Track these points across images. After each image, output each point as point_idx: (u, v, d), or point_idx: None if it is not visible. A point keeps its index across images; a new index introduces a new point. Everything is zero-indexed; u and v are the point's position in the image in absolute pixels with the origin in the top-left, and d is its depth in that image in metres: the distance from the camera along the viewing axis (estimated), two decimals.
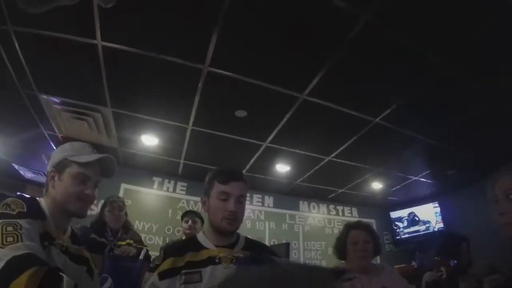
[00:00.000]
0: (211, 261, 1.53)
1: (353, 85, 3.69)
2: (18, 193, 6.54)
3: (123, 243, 3.01)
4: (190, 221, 3.79)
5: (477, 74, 3.45)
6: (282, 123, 4.29)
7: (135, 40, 3.10)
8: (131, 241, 3.02)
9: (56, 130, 4.85)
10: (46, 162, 5.84)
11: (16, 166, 6.60)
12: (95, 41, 3.08)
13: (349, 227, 2.47)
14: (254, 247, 1.74)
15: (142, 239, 3.81)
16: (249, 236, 1.81)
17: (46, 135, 5.10)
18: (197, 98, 3.82)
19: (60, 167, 1.43)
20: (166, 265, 1.52)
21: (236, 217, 1.62)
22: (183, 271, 1.49)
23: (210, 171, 1.76)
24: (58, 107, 4.16)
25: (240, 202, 1.65)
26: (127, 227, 3.47)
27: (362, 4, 2.65)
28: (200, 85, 3.60)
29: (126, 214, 3.49)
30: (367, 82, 3.63)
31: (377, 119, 4.27)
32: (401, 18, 2.80)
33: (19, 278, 0.90)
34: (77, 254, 1.45)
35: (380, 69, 3.43)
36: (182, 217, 3.97)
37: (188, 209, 4.77)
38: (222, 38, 3.01)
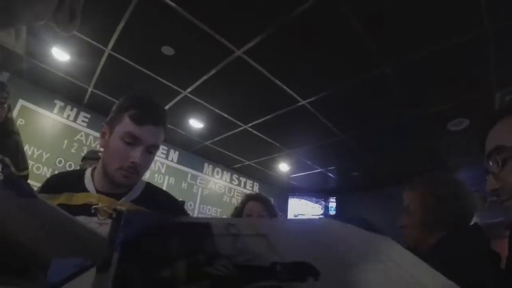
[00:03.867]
0: (85, 209, 1.19)
1: (291, 60, 3.58)
2: None
3: None
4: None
5: (412, 88, 3.67)
6: (209, 75, 4.02)
7: None
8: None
9: None
10: None
11: None
12: None
13: (248, 197, 2.41)
14: (153, 198, 1.37)
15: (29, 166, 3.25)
16: None
17: None
18: (124, 19, 3.38)
19: None
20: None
21: (138, 171, 1.27)
22: None
23: (124, 96, 1.36)
24: None
25: (150, 152, 1.29)
26: (8, 124, 2.66)
27: None
28: (132, 4, 3.16)
29: (9, 109, 2.76)
30: (305, 61, 3.54)
31: (304, 101, 4.22)
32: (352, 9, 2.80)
33: None
34: None
35: (320, 52, 3.37)
36: (83, 158, 3.60)
37: (91, 149, 4.24)
38: None
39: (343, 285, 0.36)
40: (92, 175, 1.33)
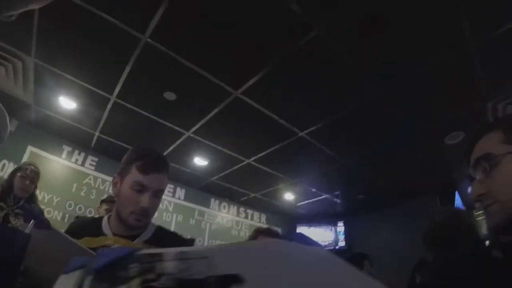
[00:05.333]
0: None
1: (287, 95, 3.76)
2: None
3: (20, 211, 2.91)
4: (105, 213, 3.59)
5: (405, 108, 3.73)
6: (210, 115, 4.22)
7: None
8: None
9: None
10: None
11: None
12: None
13: (258, 232, 2.43)
14: (163, 239, 1.49)
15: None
16: None
17: None
18: (127, 69, 3.61)
19: None
20: None
21: (148, 214, 1.43)
22: None
23: (130, 150, 1.54)
24: None
25: (157, 196, 1.43)
26: (31, 199, 3.25)
27: (316, 15, 2.71)
28: (134, 55, 3.41)
29: (36, 186, 3.30)
30: (301, 95, 3.71)
31: (302, 133, 4.37)
32: (347, 38, 2.92)
33: None
34: None
35: (315, 86, 3.55)
36: (101, 202, 3.86)
37: (108, 195, 4.41)
38: (169, 13, 2.89)
39: None
40: (108, 221, 1.48)
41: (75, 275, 0.53)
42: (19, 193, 3.08)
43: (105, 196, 4.56)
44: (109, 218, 1.50)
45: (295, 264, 0.51)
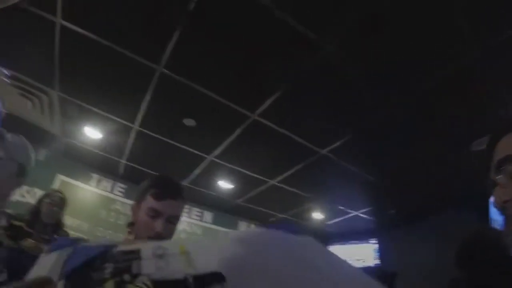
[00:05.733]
0: None
1: (305, 114, 3.72)
2: None
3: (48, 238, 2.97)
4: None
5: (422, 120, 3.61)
6: (230, 139, 4.26)
7: (96, 27, 3.00)
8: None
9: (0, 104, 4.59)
10: None
11: None
12: (55, 18, 2.96)
13: None
14: None
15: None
16: None
17: None
18: (147, 99, 3.73)
19: None
20: None
21: (162, 239, 1.43)
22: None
23: (147, 178, 1.58)
24: (6, 79, 3.96)
25: (171, 222, 1.45)
26: (58, 225, 3.33)
27: (327, 34, 2.71)
28: (152, 85, 3.52)
29: (63, 213, 3.38)
30: (320, 113, 3.67)
31: (323, 151, 4.30)
32: (359, 55, 2.88)
33: None
34: None
35: (333, 102, 3.49)
36: (128, 225, 3.93)
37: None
38: (182, 43, 2.98)
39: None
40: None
41: (54, 256, 0.52)
42: (46, 219, 3.15)
43: (122, 220, 4.65)
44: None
45: (278, 257, 0.50)
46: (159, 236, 1.41)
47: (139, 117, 4.06)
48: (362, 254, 7.25)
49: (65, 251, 0.52)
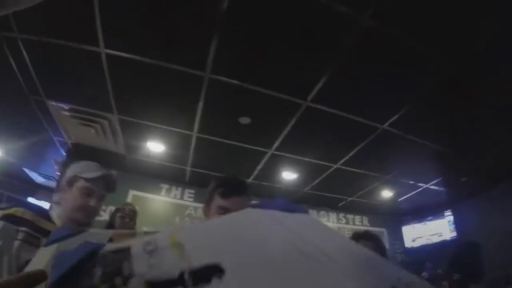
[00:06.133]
0: None
1: (357, 91, 3.63)
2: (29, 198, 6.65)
3: None
4: None
5: (485, 77, 3.37)
6: (287, 130, 4.26)
7: (137, 48, 3.13)
8: None
9: (65, 136, 4.91)
10: (56, 167, 5.92)
11: (27, 171, 6.71)
12: (98, 49, 3.12)
13: (356, 237, 2.41)
14: None
15: None
16: None
17: (56, 141, 5.17)
18: (200, 105, 3.83)
19: (71, 182, 1.63)
20: None
21: None
22: None
23: (213, 179, 1.70)
24: (66, 113, 4.21)
25: None
26: (133, 236, 3.47)
27: (362, 7, 2.63)
28: (202, 92, 3.61)
29: (135, 223, 3.54)
30: (372, 87, 3.55)
31: (384, 126, 4.18)
32: (401, 19, 2.76)
33: None
34: None
35: (385, 74, 3.36)
36: None
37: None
38: (222, 45, 3.03)
39: (249, 279, 0.40)
40: None
41: (52, 249, 0.51)
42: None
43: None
44: None
45: (279, 242, 0.45)
46: None
47: (196, 123, 4.19)
48: (438, 228, 7.02)
49: (65, 243, 0.52)
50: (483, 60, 3.14)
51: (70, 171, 1.66)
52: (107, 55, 3.19)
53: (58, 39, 3.04)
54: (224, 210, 1.50)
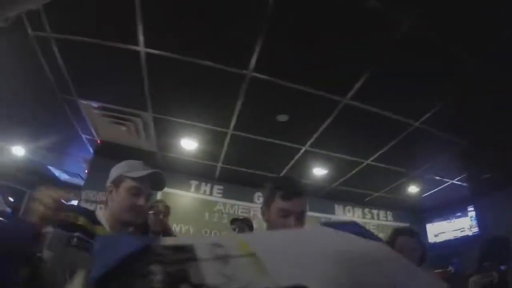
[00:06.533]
0: None
1: (394, 89, 3.64)
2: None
3: None
4: (236, 229, 3.90)
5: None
6: (323, 127, 4.27)
7: (178, 47, 3.14)
8: None
9: (94, 134, 4.92)
10: (84, 165, 5.94)
11: (51, 168, 6.73)
12: (138, 48, 3.12)
13: (397, 233, 2.44)
14: None
15: None
16: None
17: (84, 138, 5.18)
18: (239, 103, 3.85)
19: (117, 182, 1.61)
20: None
21: None
22: None
23: (270, 181, 1.73)
24: (98, 112, 4.20)
25: (301, 218, 1.58)
26: (167, 232, 3.51)
27: (405, 9, 2.64)
28: (243, 90, 3.62)
29: (168, 220, 3.57)
30: (408, 86, 3.59)
31: (417, 123, 4.20)
32: (441, 21, 2.77)
33: None
34: None
35: (421, 73, 3.39)
36: (230, 223, 4.13)
37: (236, 217, 4.71)
38: (267, 44, 3.02)
39: None
40: None
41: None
42: (155, 228, 3.34)
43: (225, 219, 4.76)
44: None
45: (370, 272, 0.43)
46: None
47: (233, 121, 4.21)
48: (460, 224, 7.00)
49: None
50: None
51: (116, 171, 1.65)
52: (147, 54, 3.20)
53: (94, 38, 3.05)
54: (286, 212, 1.53)
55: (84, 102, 4.07)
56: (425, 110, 3.97)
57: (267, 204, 1.64)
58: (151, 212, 3.39)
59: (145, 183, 1.62)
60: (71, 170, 6.77)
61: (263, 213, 1.69)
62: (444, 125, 4.29)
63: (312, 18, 2.77)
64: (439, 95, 3.73)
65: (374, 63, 3.24)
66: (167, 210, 3.54)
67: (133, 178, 1.59)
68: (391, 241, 2.36)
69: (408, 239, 2.34)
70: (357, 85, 3.52)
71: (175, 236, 3.68)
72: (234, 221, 4.10)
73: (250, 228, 3.96)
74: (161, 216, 3.42)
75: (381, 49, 3.07)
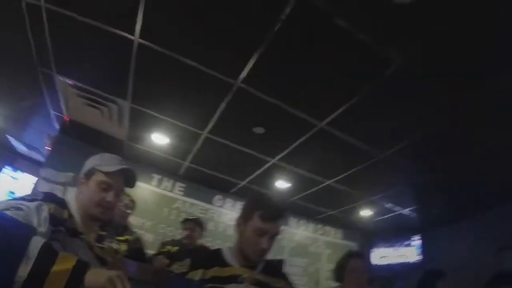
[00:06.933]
0: (234, 279, 1.59)
1: (369, 123, 3.90)
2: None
3: (122, 238, 3.21)
4: (188, 231, 3.89)
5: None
6: (295, 144, 4.42)
7: (174, 44, 3.15)
8: (128, 237, 3.29)
9: (64, 112, 4.80)
10: (47, 141, 5.77)
11: (10, 138, 6.49)
12: (132, 37, 3.11)
13: (350, 255, 2.62)
14: (271, 268, 1.77)
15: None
16: None
17: (52, 114, 5.05)
18: (220, 109, 3.92)
19: (89, 174, 1.58)
20: (196, 275, 1.59)
21: (267, 253, 1.67)
22: (209, 285, 1.55)
23: (251, 197, 1.80)
24: (74, 91, 4.12)
25: (274, 239, 1.66)
26: (127, 226, 3.55)
27: (397, 47, 2.82)
28: (227, 98, 3.70)
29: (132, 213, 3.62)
30: (385, 122, 3.83)
31: (382, 155, 4.45)
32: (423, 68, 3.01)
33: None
34: (102, 256, 1.55)
35: (396, 109, 3.61)
36: (182, 223, 4.08)
37: (187, 217, 4.47)
38: (263, 60, 3.12)
39: None
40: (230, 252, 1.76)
41: None
42: (120, 221, 3.37)
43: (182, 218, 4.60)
44: (229, 249, 1.77)
45: None
46: (265, 252, 1.65)
47: (210, 125, 4.27)
48: (405, 251, 7.28)
49: None
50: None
51: (89, 163, 1.61)
52: (140, 44, 3.19)
53: (89, 18, 2.98)
54: (262, 232, 1.60)
55: (62, 78, 3.98)
56: (392, 144, 4.22)
57: (244, 219, 1.69)
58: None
59: (116, 179, 1.58)
60: (31, 143, 6.53)
61: (238, 225, 1.73)
62: (406, 160, 4.55)
63: (309, 47, 2.94)
64: (408, 135, 3.99)
65: (356, 95, 3.42)
66: (133, 205, 3.59)
67: (104, 173, 1.55)
68: (344, 263, 2.54)
69: (359, 262, 2.54)
70: (336, 114, 3.71)
71: (134, 230, 3.70)
72: (185, 221, 4.05)
73: (202, 228, 3.99)
74: (128, 211, 3.46)
75: (365, 84, 3.26)
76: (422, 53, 2.83)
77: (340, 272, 2.56)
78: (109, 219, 1.67)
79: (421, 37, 2.70)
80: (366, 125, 3.92)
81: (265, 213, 1.62)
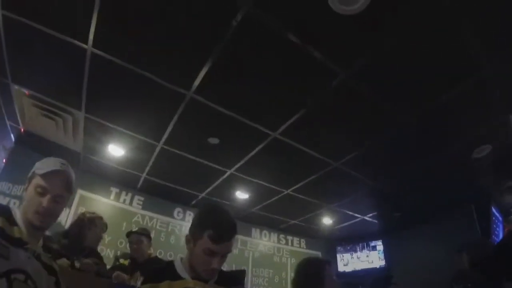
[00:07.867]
0: None
1: (321, 133, 4.03)
2: None
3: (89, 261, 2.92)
4: (135, 244, 3.70)
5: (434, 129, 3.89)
6: (251, 154, 4.47)
7: (126, 54, 3.13)
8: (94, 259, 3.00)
9: (20, 122, 4.69)
10: (3, 154, 5.62)
11: None
12: (85, 46, 3.06)
13: (325, 263, 2.56)
14: (225, 279, 1.71)
15: None
16: None
17: (8, 125, 4.92)
18: (174, 120, 3.91)
19: (30, 179, 1.50)
20: None
21: (217, 271, 1.64)
22: None
23: (200, 213, 1.71)
24: (29, 100, 4.05)
25: (226, 257, 1.62)
26: (93, 248, 3.33)
27: (340, 63, 2.98)
28: (180, 109, 3.70)
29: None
30: (337, 130, 3.97)
31: (337, 163, 4.59)
32: (369, 80, 3.19)
33: None
34: (49, 264, 1.49)
35: (346, 122, 3.82)
36: (127, 237, 3.89)
37: (131, 229, 4.40)
38: (213, 71, 3.16)
39: None
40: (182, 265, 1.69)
41: None
42: (92, 244, 3.27)
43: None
44: (181, 262, 1.70)
45: None
46: (216, 271, 1.61)
47: (165, 136, 4.24)
48: (369, 256, 7.49)
49: None
50: (428, 119, 3.70)
51: (33, 167, 1.53)
52: (92, 53, 3.14)
53: (43, 24, 2.90)
54: (212, 252, 1.54)
55: (17, 88, 3.90)
56: (345, 154, 4.37)
57: (193, 237, 1.61)
58: (93, 228, 3.28)
59: (53, 182, 1.48)
60: None
61: (187, 242, 1.65)
62: (358, 169, 4.75)
63: (259, 59, 3.00)
64: (360, 143, 4.15)
65: (304, 107, 3.55)
66: (106, 229, 3.54)
67: (40, 175, 1.46)
68: (321, 271, 2.46)
69: (332, 270, 2.57)
70: (288, 123, 3.79)
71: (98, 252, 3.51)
72: (130, 234, 3.86)
73: (149, 239, 3.78)
74: (99, 232, 3.37)
75: (312, 95, 3.40)
76: (368, 65, 2.96)
77: (317, 280, 2.44)
78: (47, 227, 1.51)
79: (368, 49, 2.83)
80: (316, 135, 4.03)
81: (215, 234, 1.53)
